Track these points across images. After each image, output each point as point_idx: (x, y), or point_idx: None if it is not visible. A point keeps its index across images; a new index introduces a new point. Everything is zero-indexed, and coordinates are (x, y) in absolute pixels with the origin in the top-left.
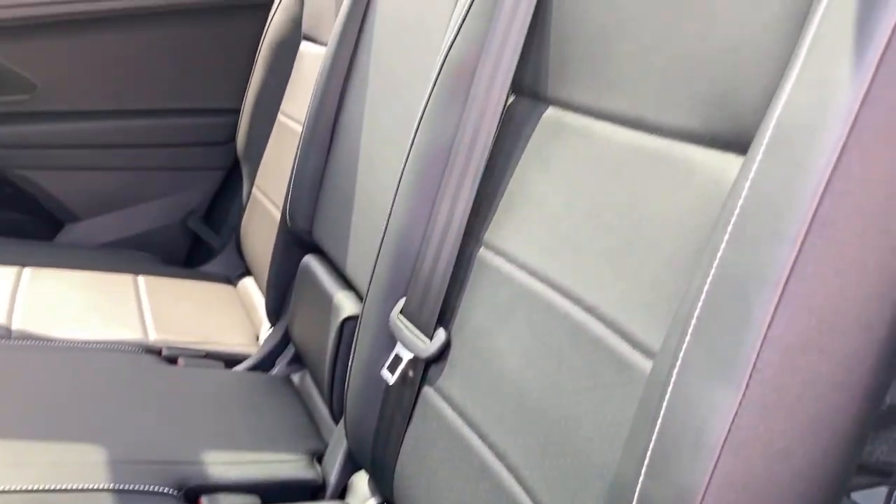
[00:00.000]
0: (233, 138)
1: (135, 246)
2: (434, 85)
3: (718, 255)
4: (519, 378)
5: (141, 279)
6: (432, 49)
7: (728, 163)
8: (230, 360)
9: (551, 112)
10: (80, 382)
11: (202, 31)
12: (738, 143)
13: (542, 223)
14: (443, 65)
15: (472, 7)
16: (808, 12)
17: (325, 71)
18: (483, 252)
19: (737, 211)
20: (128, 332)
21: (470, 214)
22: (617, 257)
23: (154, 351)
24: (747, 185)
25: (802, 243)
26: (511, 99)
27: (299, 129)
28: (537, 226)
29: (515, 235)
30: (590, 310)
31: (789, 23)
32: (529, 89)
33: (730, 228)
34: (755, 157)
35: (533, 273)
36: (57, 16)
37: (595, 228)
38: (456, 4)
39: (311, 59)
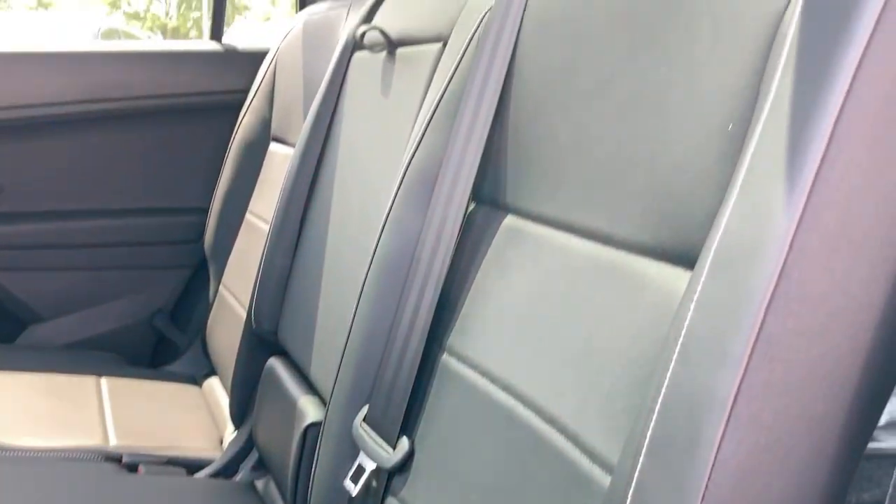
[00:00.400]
0: (200, 237)
1: (99, 345)
2: (397, 192)
3: (668, 373)
4: (482, 489)
5: (104, 381)
6: (397, 154)
7: (678, 277)
8: (193, 466)
9: (510, 220)
10: (34, 497)
11: (172, 132)
12: (687, 258)
13: (503, 331)
14: (405, 173)
15: (433, 120)
16: (745, 135)
17: (292, 172)
18: (446, 359)
19: (684, 330)
20: (87, 438)
21: (433, 321)
22: (575, 367)
23: (114, 458)
24: (692, 305)
25: (748, 363)
26: (472, 207)
27: (267, 228)
28: (498, 333)
29: (477, 342)
30: (551, 421)
31: (729, 146)
32: (489, 197)
33: (678, 347)
34: (699, 277)
35: (495, 381)
36: (23, 119)
37: (553, 338)
38: (418, 115)
39: (280, 160)
